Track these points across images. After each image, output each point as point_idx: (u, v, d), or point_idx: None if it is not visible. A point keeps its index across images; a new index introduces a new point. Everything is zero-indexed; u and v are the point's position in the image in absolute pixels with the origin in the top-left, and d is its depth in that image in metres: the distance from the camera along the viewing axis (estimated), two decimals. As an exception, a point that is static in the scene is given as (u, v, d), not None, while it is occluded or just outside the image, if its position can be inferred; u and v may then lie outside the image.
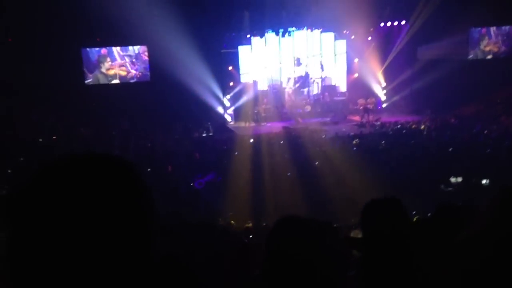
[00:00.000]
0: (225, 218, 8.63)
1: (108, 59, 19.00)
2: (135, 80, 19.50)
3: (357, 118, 19.64)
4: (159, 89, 17.87)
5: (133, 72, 19.28)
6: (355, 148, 13.56)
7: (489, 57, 20.63)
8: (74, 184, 0.80)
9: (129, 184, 0.85)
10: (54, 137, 15.33)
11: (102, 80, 19.00)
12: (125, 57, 19.24)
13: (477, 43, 20.59)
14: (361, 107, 19.50)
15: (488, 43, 20.68)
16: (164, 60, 17.20)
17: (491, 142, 12.63)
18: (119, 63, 19.13)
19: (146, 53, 19.33)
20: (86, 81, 18.76)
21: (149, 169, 11.58)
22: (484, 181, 9.93)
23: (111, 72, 19.05)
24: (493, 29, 20.53)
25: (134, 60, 19.29)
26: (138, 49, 19.38)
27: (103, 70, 18.90)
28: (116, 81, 19.21)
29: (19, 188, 0.82)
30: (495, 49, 20.64)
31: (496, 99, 17.95)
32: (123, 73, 19.21)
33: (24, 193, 0.81)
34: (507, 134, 13.34)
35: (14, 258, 0.79)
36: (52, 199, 0.79)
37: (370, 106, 19.50)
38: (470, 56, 20.55)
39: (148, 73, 19.51)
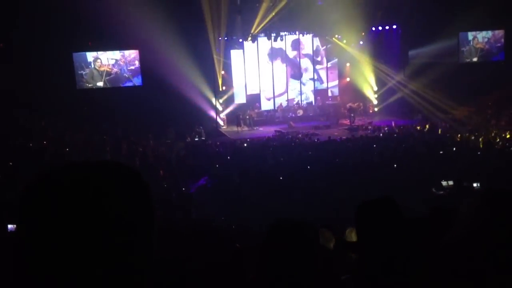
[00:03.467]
0: (218, 222, 8.60)
1: (99, 59, 19.04)
2: (127, 83, 19.44)
3: (348, 122, 19.78)
4: (151, 94, 17.82)
5: (118, 71, 19.24)
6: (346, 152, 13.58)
7: (476, 58, 20.80)
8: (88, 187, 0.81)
9: (138, 190, 0.86)
10: (44, 142, 15.19)
11: (96, 75, 18.95)
12: (119, 61, 19.26)
13: (465, 47, 20.80)
14: (346, 110, 19.67)
15: (478, 43, 20.91)
16: (156, 64, 17.21)
17: (481, 145, 12.72)
18: (108, 64, 19.21)
19: (138, 58, 19.30)
20: (82, 72, 18.72)
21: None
22: (475, 185, 9.97)
23: (102, 69, 19.05)
24: (482, 33, 20.74)
25: (121, 63, 19.29)
26: (129, 54, 19.36)
27: (96, 67, 18.95)
28: (104, 79, 19.08)
29: (30, 186, 0.82)
30: (484, 47, 20.85)
31: (487, 102, 18.11)
32: (109, 70, 19.24)
33: (37, 192, 0.81)
34: (496, 138, 13.46)
35: (20, 255, 0.80)
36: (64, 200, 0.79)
37: (356, 108, 19.80)
38: (462, 58, 20.74)
39: (140, 78, 19.48)
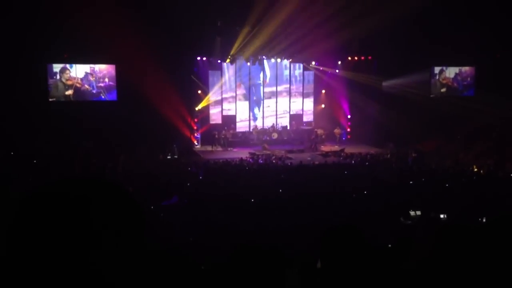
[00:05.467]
0: (184, 242, 8.44)
1: (68, 71, 18.66)
2: (99, 98, 19.17)
3: (322, 147, 20.04)
4: (126, 109, 17.63)
5: (87, 87, 18.91)
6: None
7: (443, 90, 21.51)
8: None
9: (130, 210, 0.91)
10: (11, 153, 14.77)
11: (60, 88, 18.56)
12: (88, 75, 18.93)
13: (437, 81, 21.49)
14: (312, 137, 20.19)
15: (445, 77, 21.63)
16: (132, 80, 17.09)
17: (450, 177, 13.01)
18: (77, 77, 18.82)
19: (111, 73, 19.14)
20: (49, 83, 18.29)
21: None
22: (442, 216, 10.15)
23: (69, 82, 18.69)
24: (452, 69, 21.49)
25: (91, 78, 19.00)
26: (99, 70, 19.15)
27: (63, 79, 18.56)
28: (70, 91, 18.71)
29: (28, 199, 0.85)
30: (451, 84, 21.59)
31: (456, 135, 18.64)
32: (79, 85, 18.85)
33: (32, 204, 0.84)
34: (465, 171, 13.81)
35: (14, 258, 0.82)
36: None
37: (320, 135, 20.24)
38: (433, 91, 21.38)
39: (115, 92, 19.28)
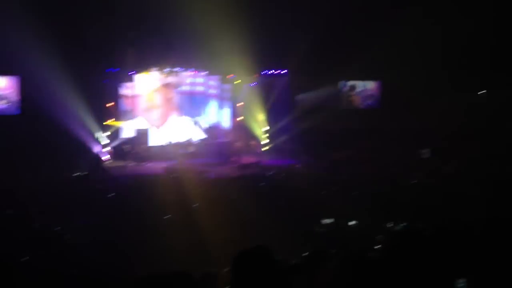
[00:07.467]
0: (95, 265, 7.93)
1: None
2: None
3: (240, 159, 20.11)
4: (31, 123, 16.49)
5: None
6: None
7: (353, 103, 22.80)
8: None
9: None
10: None
11: None
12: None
13: (346, 95, 22.63)
14: (230, 149, 20.45)
15: (354, 96, 22.90)
16: (38, 92, 16.16)
17: (358, 186, 13.66)
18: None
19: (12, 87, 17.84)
20: None
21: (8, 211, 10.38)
22: (351, 223, 10.63)
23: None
24: (360, 83, 22.78)
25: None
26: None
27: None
28: None
29: None
30: (359, 101, 22.92)
31: (365, 146, 19.70)
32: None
33: None
34: (372, 179, 14.59)
35: None
36: None
37: (242, 147, 20.55)
38: (342, 105, 22.49)
39: (19, 106, 17.97)
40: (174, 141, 20.72)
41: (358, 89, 22.76)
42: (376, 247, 6.80)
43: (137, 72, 19.68)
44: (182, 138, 21.03)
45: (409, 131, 18.89)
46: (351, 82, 22.41)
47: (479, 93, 18.03)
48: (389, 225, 10.47)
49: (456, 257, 2.69)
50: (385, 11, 17.31)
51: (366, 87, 22.83)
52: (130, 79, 19.98)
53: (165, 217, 10.87)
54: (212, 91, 22.46)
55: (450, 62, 17.28)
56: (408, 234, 1.91)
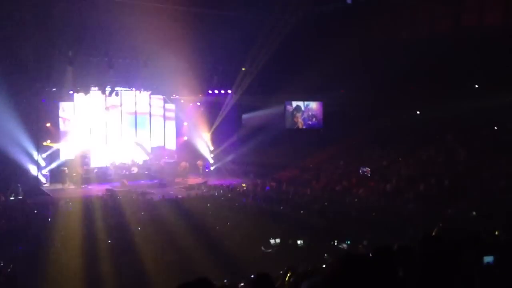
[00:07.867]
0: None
1: None
2: None
3: (185, 180, 19.84)
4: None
5: None
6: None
7: (297, 123, 23.26)
8: None
9: None
10: None
11: None
12: None
13: (291, 115, 23.08)
14: (175, 170, 20.31)
15: (298, 116, 23.38)
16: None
17: (304, 205, 13.86)
18: None
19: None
20: None
21: None
22: (299, 242, 10.72)
23: None
24: (303, 103, 23.33)
25: None
26: None
27: None
28: None
29: None
30: (302, 118, 23.44)
31: (309, 165, 20.08)
32: None
33: None
34: (317, 198, 14.86)
35: None
36: None
37: (182, 168, 20.56)
38: (287, 124, 22.88)
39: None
40: (117, 162, 20.07)
41: (302, 109, 23.29)
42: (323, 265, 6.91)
43: (77, 91, 18.96)
44: (125, 159, 20.43)
45: (351, 150, 19.49)
46: (295, 103, 22.87)
47: (417, 112, 18.97)
48: (334, 243, 10.70)
49: (398, 278, 2.79)
50: (327, 32, 17.85)
51: (309, 107, 23.41)
52: (69, 99, 19.21)
53: (109, 241, 10.48)
54: (156, 111, 22.13)
55: (391, 82, 18.06)
56: (350, 259, 1.98)
